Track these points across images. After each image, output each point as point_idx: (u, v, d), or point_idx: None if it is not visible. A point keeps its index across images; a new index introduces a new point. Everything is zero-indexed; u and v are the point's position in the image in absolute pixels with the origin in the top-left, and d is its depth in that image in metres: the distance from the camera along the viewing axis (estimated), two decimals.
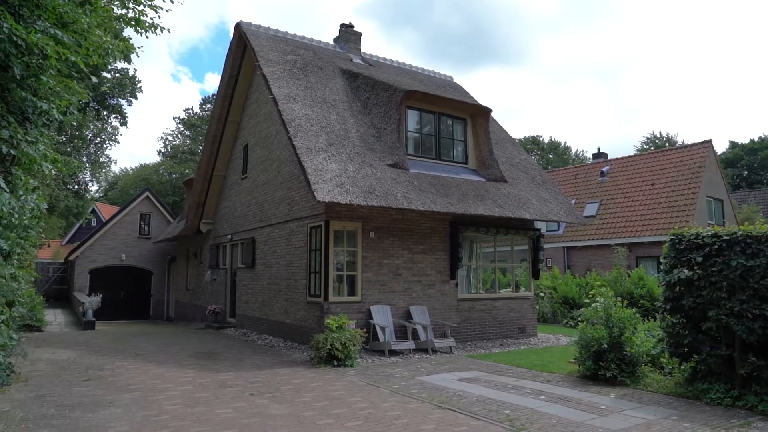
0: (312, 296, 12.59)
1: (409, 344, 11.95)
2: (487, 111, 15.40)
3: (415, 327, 12.55)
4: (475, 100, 18.17)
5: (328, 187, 11.15)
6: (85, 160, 40.15)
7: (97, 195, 59.95)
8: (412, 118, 14.52)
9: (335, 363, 10.38)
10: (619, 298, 9.69)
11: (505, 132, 18.60)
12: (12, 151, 7.37)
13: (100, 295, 19.28)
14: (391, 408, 7.25)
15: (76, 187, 40.28)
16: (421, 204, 12.18)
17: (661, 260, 8.49)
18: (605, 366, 8.70)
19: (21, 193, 9.18)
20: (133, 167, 64.68)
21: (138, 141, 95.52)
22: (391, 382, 8.99)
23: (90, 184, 42.47)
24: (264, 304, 15.32)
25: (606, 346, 8.72)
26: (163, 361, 10.85)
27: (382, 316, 12.44)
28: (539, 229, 15.87)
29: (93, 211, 43.44)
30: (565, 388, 8.49)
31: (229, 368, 10.13)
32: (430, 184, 13.15)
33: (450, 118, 15.18)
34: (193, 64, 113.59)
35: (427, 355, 11.89)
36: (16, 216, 7.93)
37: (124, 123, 32.70)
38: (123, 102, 31.98)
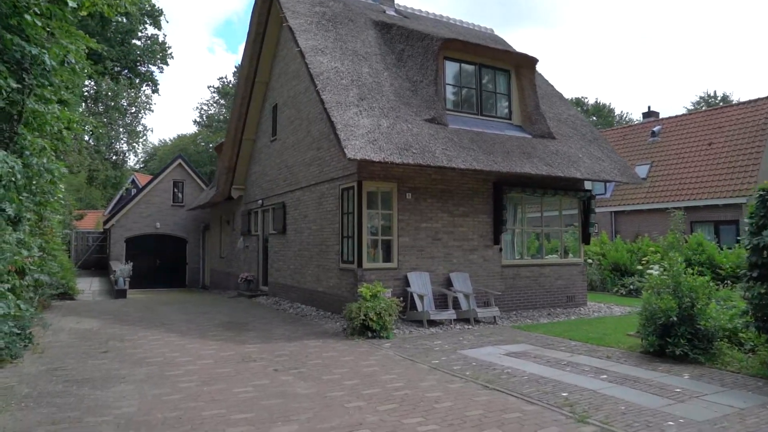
0: (345, 263, 11.78)
1: (449, 314, 11.05)
2: (532, 61, 14.08)
3: (456, 295, 11.63)
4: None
5: (360, 144, 10.19)
6: (122, 130, 40.19)
7: (137, 166, 60.52)
8: (450, 71, 13.34)
9: (369, 334, 9.57)
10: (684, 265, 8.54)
11: (551, 86, 17.20)
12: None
13: (131, 263, 18.97)
14: (430, 388, 6.39)
15: (114, 157, 40.38)
16: (462, 162, 11.12)
17: (746, 220, 7.29)
18: (674, 341, 7.61)
19: (28, 153, 8.54)
20: (172, 138, 65.01)
21: (176, 113, 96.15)
22: (430, 357, 8.13)
23: (128, 155, 42.47)
24: (296, 272, 14.63)
25: (675, 318, 7.62)
26: (188, 331, 10.25)
27: (420, 284, 11.55)
28: (590, 190, 14.62)
29: (133, 182, 43.62)
30: (629, 366, 7.46)
31: (255, 340, 9.44)
32: (472, 141, 12.04)
33: (492, 70, 13.92)
34: (228, 36, 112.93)
35: (470, 326, 10.98)
36: (19, 177, 7.24)
37: (155, 90, 32.26)
38: (154, 69, 31.48)
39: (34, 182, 9.02)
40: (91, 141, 39.17)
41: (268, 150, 17.27)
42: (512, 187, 12.98)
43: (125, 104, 39.72)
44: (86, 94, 37.90)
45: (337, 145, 10.64)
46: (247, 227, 18.82)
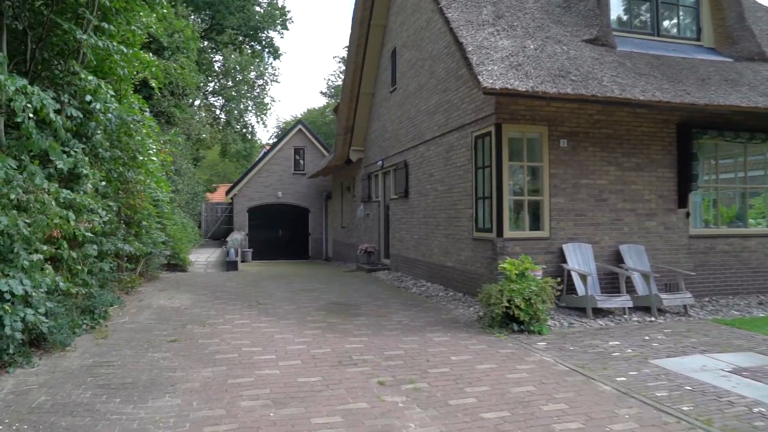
0: (480, 231, 9.26)
1: (623, 300, 8.10)
2: None
3: (631, 275, 8.65)
4: None
5: (499, 70, 7.53)
6: (250, 103, 40.38)
7: (271, 141, 61.86)
8: None
9: (515, 327, 7.04)
10: None
11: None
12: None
13: (243, 234, 17.91)
14: None
15: (243, 130, 40.78)
16: (641, 92, 8.05)
17: None
18: None
19: (89, 99, 6.95)
20: (302, 113, 65.64)
21: (306, 89, 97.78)
22: (609, 368, 5.44)
23: (256, 127, 42.91)
24: (420, 243, 12.36)
25: None
26: (285, 314, 8.35)
27: (581, 259, 8.73)
28: None
29: (264, 155, 43.95)
30: None
31: (363, 329, 7.28)
32: (650, 66, 8.87)
33: None
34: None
35: (651, 318, 8.01)
36: (53, 116, 5.55)
37: (277, 57, 31.46)
38: (274, 35, 30.60)
39: (98, 130, 7.48)
40: (222, 115, 39.92)
41: (387, 103, 15.06)
42: (704, 129, 9.57)
43: (253, 76, 39.89)
44: (218, 69, 38.47)
45: (468, 79, 8.16)
46: (367, 193, 16.87)
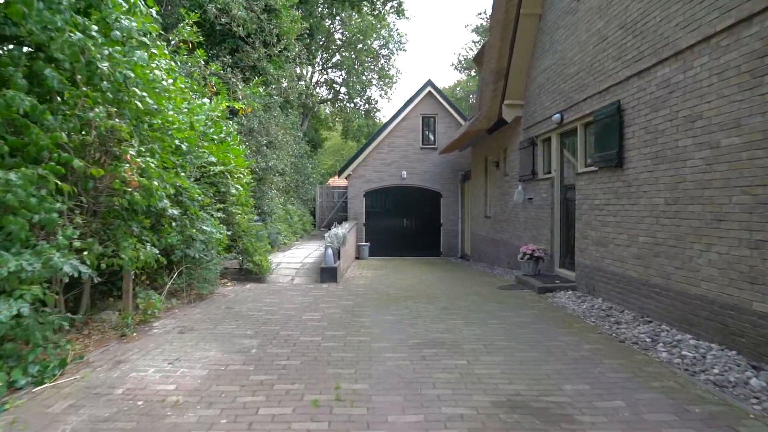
0: None
1: None
2: None
3: None
4: None
5: None
6: (375, 76, 36.07)
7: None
8: None
9: None
10: None
11: None
12: None
13: (346, 226, 13.15)
14: None
15: (367, 105, 36.55)
16: None
17: None
18: None
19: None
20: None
21: (436, 64, 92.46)
22: None
23: (380, 102, 38.68)
24: (655, 252, 6.63)
25: None
26: None
27: None
28: None
29: None
30: None
31: None
32: None
33: None
34: None
35: None
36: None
37: (401, 14, 26.52)
38: None
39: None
40: (342, 90, 35.84)
41: (568, 19, 9.34)
42: None
43: (376, 46, 35.39)
44: (339, 41, 34.43)
45: None
46: (529, 167, 11.28)
